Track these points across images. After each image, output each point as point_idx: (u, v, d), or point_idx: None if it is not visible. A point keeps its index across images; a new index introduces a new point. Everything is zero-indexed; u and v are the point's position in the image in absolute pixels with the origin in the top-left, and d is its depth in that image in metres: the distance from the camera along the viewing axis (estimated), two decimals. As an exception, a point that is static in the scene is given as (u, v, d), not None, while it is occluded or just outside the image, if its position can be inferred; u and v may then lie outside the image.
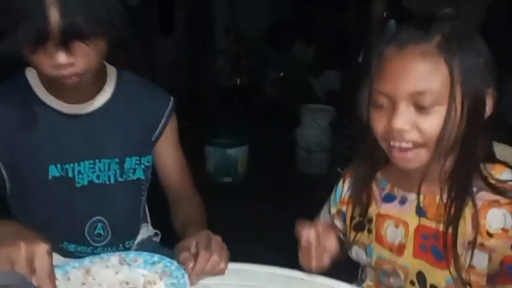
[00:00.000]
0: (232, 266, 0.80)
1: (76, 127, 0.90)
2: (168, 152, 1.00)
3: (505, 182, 0.66)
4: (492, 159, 0.70)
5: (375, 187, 0.79)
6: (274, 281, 0.76)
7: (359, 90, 0.72)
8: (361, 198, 0.79)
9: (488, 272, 0.68)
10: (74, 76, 0.78)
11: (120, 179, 0.94)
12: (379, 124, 0.68)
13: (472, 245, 0.67)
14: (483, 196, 0.67)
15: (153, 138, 0.98)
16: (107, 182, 0.93)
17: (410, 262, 0.75)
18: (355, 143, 0.79)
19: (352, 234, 0.81)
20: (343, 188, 0.84)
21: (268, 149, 3.03)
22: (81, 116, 0.90)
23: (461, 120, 0.64)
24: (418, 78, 0.63)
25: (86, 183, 0.92)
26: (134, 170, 0.96)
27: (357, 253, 0.82)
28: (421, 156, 0.66)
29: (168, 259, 0.80)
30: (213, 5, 4.21)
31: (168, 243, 0.98)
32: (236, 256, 0.79)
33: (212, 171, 2.76)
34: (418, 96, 0.63)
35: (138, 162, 0.96)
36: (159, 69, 4.06)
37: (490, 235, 0.66)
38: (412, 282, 0.76)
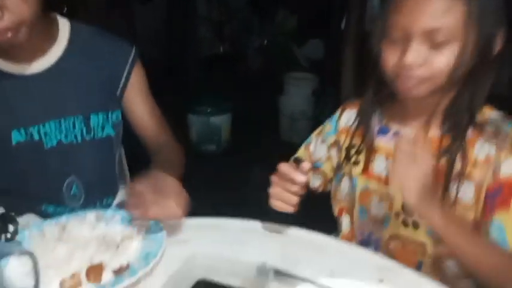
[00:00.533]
0: (211, 221, 0.80)
1: (33, 88, 0.86)
2: (138, 103, 0.97)
3: (493, 121, 0.70)
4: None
5: (372, 120, 0.81)
6: (251, 234, 0.77)
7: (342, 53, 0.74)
8: (362, 129, 0.81)
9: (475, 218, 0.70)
10: (5, 31, 0.73)
11: (87, 137, 0.91)
12: (390, 57, 0.68)
13: (460, 176, 0.70)
14: (472, 129, 0.71)
15: (118, 91, 0.94)
16: (74, 141, 0.90)
17: (397, 192, 0.76)
18: (364, 76, 0.79)
19: (345, 164, 0.83)
20: (342, 119, 0.87)
21: (252, 117, 3.02)
22: (36, 75, 0.86)
23: (472, 58, 0.65)
24: (435, 14, 0.63)
25: (54, 144, 0.89)
26: (103, 127, 0.93)
27: (343, 188, 0.85)
28: (424, 88, 0.68)
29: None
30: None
31: None
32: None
33: (196, 140, 2.75)
34: (432, 33, 0.63)
35: (105, 118, 0.93)
36: (139, 37, 3.95)
37: (476, 164, 0.70)
38: (397, 214, 0.78)
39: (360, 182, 0.82)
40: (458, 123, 0.70)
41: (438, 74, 0.66)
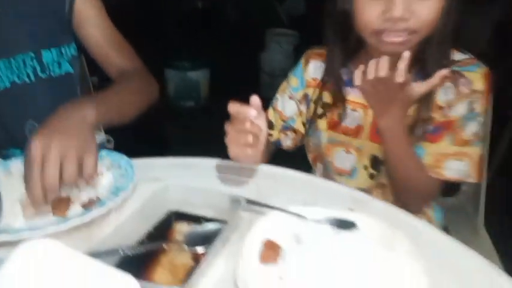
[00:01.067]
0: (184, 160, 0.79)
1: None
2: (90, 29, 0.89)
3: (457, 60, 0.72)
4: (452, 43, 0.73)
5: (341, 73, 0.80)
6: (224, 169, 0.77)
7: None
8: (332, 82, 0.80)
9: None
10: None
11: (43, 76, 0.86)
12: (373, 11, 0.66)
13: (427, 121, 0.72)
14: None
15: (65, 20, 0.87)
16: (28, 81, 0.85)
17: (365, 144, 0.78)
18: (329, 30, 0.76)
19: (313, 117, 0.82)
20: (308, 71, 0.83)
21: (232, 73, 2.97)
22: None
23: (452, 7, 0.66)
24: None
25: (8, 85, 0.84)
26: (58, 63, 0.87)
27: (313, 140, 0.84)
28: (411, 42, 0.67)
29: (116, 153, 0.78)
30: None
31: (123, 150, 0.96)
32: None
33: (173, 95, 2.70)
34: None
35: (59, 53, 0.86)
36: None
37: (439, 107, 0.72)
38: (365, 167, 0.79)
39: (327, 135, 0.81)
40: (427, 71, 0.70)
41: (424, 24, 0.65)
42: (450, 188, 0.84)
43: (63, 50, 0.88)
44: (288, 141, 0.89)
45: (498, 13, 3.00)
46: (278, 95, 0.89)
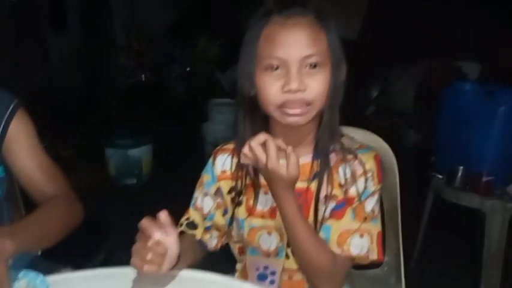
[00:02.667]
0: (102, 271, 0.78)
1: None
2: (20, 157, 0.90)
3: (350, 145, 0.79)
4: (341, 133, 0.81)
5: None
6: (143, 279, 0.76)
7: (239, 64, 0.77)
8: (243, 171, 0.83)
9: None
10: None
11: None
12: (272, 86, 0.73)
13: (328, 198, 0.77)
14: (333, 156, 0.79)
15: None
16: None
17: (282, 224, 0.79)
18: (236, 121, 0.82)
19: (231, 207, 0.84)
20: (216, 166, 0.87)
21: (175, 147, 2.99)
22: None
23: (334, 83, 0.75)
24: (308, 43, 0.72)
25: None
26: None
27: (234, 229, 0.86)
28: (308, 114, 0.74)
29: (33, 273, 0.75)
30: (110, 1, 4.01)
31: (50, 253, 0.92)
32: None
33: (114, 174, 2.65)
34: (308, 59, 0.72)
35: None
36: (53, 67, 3.78)
37: (340, 186, 0.78)
38: (289, 245, 0.81)
39: (246, 222, 0.83)
40: (323, 149, 0.77)
41: (318, 96, 0.73)
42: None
43: None
44: (213, 242, 0.89)
45: (421, 76, 3.34)
46: (195, 194, 0.90)
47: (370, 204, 0.77)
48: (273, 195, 0.73)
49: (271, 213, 0.81)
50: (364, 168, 0.76)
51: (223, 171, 0.86)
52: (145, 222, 0.65)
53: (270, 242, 0.83)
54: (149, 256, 0.64)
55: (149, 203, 2.40)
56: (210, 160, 0.88)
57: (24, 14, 3.38)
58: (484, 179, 1.60)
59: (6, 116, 0.89)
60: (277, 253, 0.83)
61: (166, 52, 4.13)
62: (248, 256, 0.86)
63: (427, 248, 1.84)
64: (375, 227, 0.77)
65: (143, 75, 4.12)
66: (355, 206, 0.76)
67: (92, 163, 2.70)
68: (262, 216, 0.82)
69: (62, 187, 0.92)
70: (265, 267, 0.85)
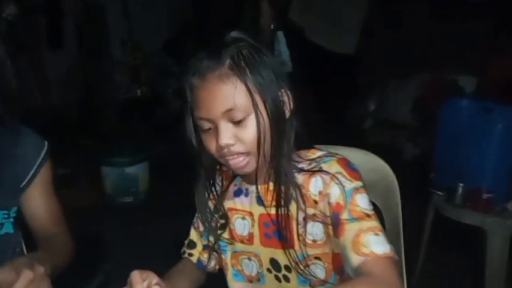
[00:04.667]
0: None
1: None
2: (37, 202, 0.93)
3: (314, 158, 0.78)
4: (308, 145, 0.81)
5: (231, 185, 0.84)
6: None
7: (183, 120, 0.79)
8: (203, 208, 0.83)
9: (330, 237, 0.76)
10: None
11: None
12: (211, 144, 0.75)
13: (307, 219, 0.76)
14: (302, 175, 0.78)
15: (20, 189, 0.90)
16: None
17: (260, 250, 0.80)
18: (193, 161, 0.83)
19: (215, 231, 0.84)
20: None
21: (171, 163, 2.97)
22: None
23: (270, 122, 0.74)
24: (224, 99, 0.72)
25: None
26: (1, 224, 0.87)
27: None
28: (251, 162, 0.75)
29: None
30: (107, 17, 4.04)
31: None
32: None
33: (111, 192, 2.63)
34: (230, 113, 0.72)
35: (6, 216, 0.87)
36: (51, 83, 3.79)
37: (316, 202, 0.76)
38: (269, 270, 0.81)
39: (230, 246, 0.84)
40: (278, 175, 0.76)
41: (251, 145, 0.73)
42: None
43: (10, 213, 0.88)
44: (211, 262, 0.89)
45: (418, 89, 3.36)
46: (196, 214, 0.91)
47: (362, 201, 0.73)
48: None
49: (250, 239, 0.81)
50: (331, 173, 0.75)
51: (212, 192, 0.86)
52: (135, 276, 0.66)
53: (251, 267, 0.83)
54: None
55: (146, 221, 2.42)
56: None
57: (21, 32, 3.39)
58: (484, 195, 1.59)
59: (39, 161, 0.91)
60: (258, 279, 0.83)
61: (162, 67, 4.15)
62: (232, 282, 0.86)
63: (429, 265, 1.82)
64: (381, 225, 0.73)
65: (139, 91, 4.12)
66: (347, 207, 0.72)
67: (88, 181, 2.68)
68: (242, 242, 0.82)
69: (62, 225, 0.96)
70: None
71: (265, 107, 0.73)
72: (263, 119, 0.73)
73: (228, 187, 0.84)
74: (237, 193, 0.83)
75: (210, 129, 0.74)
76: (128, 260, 1.96)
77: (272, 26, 2.61)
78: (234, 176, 0.84)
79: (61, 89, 3.71)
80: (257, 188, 0.79)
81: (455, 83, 3.07)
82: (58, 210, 0.96)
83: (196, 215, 0.90)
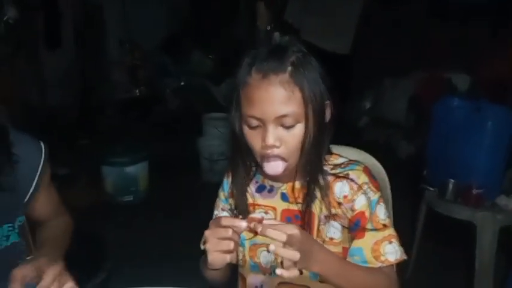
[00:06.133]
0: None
1: None
2: (40, 203, 0.96)
3: (339, 164, 0.84)
4: (330, 151, 0.86)
5: (252, 182, 0.88)
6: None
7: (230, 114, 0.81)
8: (241, 195, 0.87)
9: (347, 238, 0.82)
10: None
11: None
12: (255, 142, 0.78)
13: (329, 217, 0.81)
14: (328, 177, 0.83)
15: (26, 198, 0.92)
16: None
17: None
18: (231, 149, 0.86)
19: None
20: (226, 187, 0.92)
21: (171, 162, 2.99)
22: None
23: (314, 130, 0.78)
24: (282, 104, 0.75)
25: None
26: (7, 236, 0.88)
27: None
28: (285, 168, 0.78)
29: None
30: (105, 17, 4.06)
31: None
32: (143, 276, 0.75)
33: (111, 191, 2.66)
34: (282, 119, 0.76)
35: (11, 228, 0.88)
36: (48, 84, 3.80)
37: (339, 204, 0.82)
38: (282, 263, 0.84)
39: (247, 240, 0.87)
40: (311, 175, 0.81)
41: (293, 150, 0.77)
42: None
43: (15, 224, 0.89)
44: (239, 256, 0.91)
45: (412, 87, 3.40)
46: (215, 211, 0.95)
47: (381, 211, 0.81)
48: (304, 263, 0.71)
49: None
50: (358, 183, 0.81)
51: (231, 192, 0.90)
52: (228, 220, 0.69)
53: (267, 259, 0.86)
54: (230, 245, 0.68)
55: (147, 220, 2.44)
56: (225, 177, 0.93)
57: (19, 33, 3.41)
58: (474, 191, 1.64)
59: (38, 172, 0.92)
60: (271, 272, 0.87)
61: (160, 67, 4.16)
62: (250, 273, 0.89)
63: (421, 260, 1.87)
64: (394, 231, 0.82)
65: (137, 90, 4.14)
66: (370, 218, 0.80)
67: (88, 181, 2.71)
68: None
69: (62, 209, 1.02)
70: (262, 285, 0.88)
71: (314, 116, 0.77)
72: (311, 128, 0.77)
73: (248, 184, 0.87)
74: (259, 189, 0.87)
75: (257, 126, 0.77)
76: (128, 259, 2.03)
77: (269, 27, 2.64)
78: (254, 173, 0.88)
79: (60, 89, 3.72)
80: (285, 186, 0.84)
81: (450, 82, 3.11)
82: (56, 197, 1.00)
83: (214, 213, 0.94)
